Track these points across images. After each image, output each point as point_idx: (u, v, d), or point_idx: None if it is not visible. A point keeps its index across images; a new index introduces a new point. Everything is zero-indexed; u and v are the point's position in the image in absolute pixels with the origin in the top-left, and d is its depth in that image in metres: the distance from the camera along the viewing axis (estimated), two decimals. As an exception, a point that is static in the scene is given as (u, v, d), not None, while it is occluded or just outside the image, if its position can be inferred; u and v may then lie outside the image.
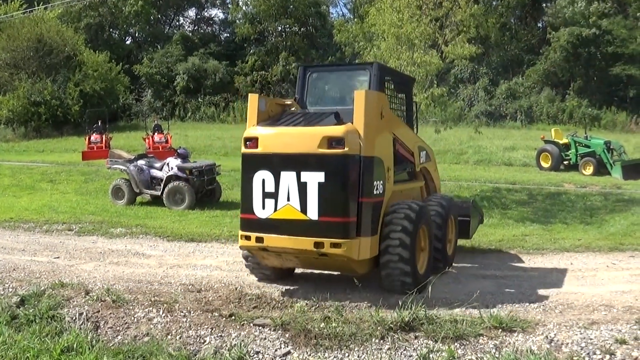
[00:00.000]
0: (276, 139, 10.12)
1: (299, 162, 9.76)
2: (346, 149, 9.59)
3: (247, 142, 10.23)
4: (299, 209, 9.72)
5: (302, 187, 9.68)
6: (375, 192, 10.05)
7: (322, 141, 9.65)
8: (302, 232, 9.75)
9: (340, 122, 10.01)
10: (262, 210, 9.98)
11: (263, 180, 9.93)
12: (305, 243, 9.77)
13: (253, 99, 10.76)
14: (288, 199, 9.78)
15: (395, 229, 10.19)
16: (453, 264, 12.60)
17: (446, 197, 13.20)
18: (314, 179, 9.62)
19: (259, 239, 10.07)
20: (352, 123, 9.93)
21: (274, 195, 9.87)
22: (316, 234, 9.68)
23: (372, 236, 10.03)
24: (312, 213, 9.66)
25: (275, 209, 9.89)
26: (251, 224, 10.16)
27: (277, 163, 9.90)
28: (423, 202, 11.85)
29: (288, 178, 9.76)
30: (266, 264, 11.05)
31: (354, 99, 10.20)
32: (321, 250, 9.72)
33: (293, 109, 11.67)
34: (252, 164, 10.12)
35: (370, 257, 10.09)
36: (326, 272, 12.14)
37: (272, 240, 10.01)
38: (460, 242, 13.80)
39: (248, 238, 10.20)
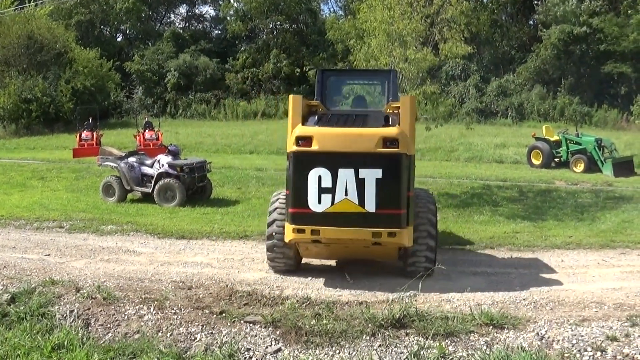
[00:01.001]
0: (333, 138, 10.74)
1: (357, 160, 10.49)
2: (400, 148, 10.54)
3: (300, 141, 10.69)
4: (357, 203, 10.43)
5: (360, 183, 10.43)
6: (413, 187, 11.23)
7: (380, 141, 10.50)
8: (360, 224, 10.51)
9: (387, 124, 11.02)
10: (318, 204, 10.55)
11: (319, 177, 10.50)
12: (364, 233, 10.57)
13: (297, 100, 11.26)
14: (346, 194, 10.46)
15: (422, 222, 11.40)
16: (445, 261, 12.63)
17: (425, 189, 14.02)
18: (372, 175, 10.41)
19: (315, 232, 10.64)
20: (399, 125, 10.91)
21: (331, 191, 10.50)
22: (374, 225, 10.50)
23: (411, 226, 10.95)
24: (370, 206, 10.42)
25: (333, 203, 10.50)
26: (305, 217, 10.66)
27: (335, 160, 10.53)
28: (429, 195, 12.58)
29: (346, 174, 10.45)
30: (306, 255, 11.67)
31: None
32: (378, 239, 10.61)
33: (320, 109, 12.22)
34: (306, 161, 10.64)
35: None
36: (322, 268, 12.20)
37: (329, 232, 10.64)
38: (452, 238, 13.81)
39: (301, 231, 10.69)
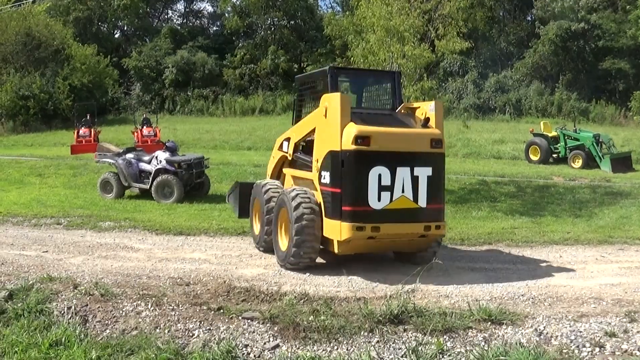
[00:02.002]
0: (390, 138, 11.25)
1: (412, 159, 11.18)
2: (443, 148, 11.53)
3: (359, 140, 10.91)
4: (412, 199, 11.13)
5: (415, 180, 11.13)
6: None
7: (429, 142, 11.34)
8: (414, 219, 11.27)
9: (427, 126, 11.70)
10: (378, 202, 10.95)
11: (379, 175, 10.92)
12: (417, 227, 11.33)
13: (345, 99, 11.46)
14: (403, 191, 11.05)
15: None
16: (443, 257, 12.64)
17: None
18: (424, 173, 11.19)
19: (375, 228, 10.96)
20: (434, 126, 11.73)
21: (390, 188, 10.99)
22: (425, 219, 11.32)
23: None
24: (422, 202, 11.19)
25: (391, 200, 11.00)
26: (365, 215, 10.96)
27: (393, 159, 11.06)
28: None
29: (403, 172, 11.04)
30: (343, 251, 11.51)
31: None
32: (428, 232, 11.42)
33: None
34: (366, 160, 10.97)
35: None
36: (319, 264, 12.17)
37: (389, 228, 11.07)
38: (450, 234, 13.83)
39: (361, 228, 10.90)
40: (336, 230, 11.08)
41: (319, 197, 11.60)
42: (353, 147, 10.84)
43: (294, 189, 11.99)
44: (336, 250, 11.43)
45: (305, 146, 12.93)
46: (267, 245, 13.09)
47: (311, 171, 12.14)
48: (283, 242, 12.22)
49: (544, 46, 54.34)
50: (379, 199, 10.91)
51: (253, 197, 14.13)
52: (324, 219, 11.39)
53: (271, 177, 14.42)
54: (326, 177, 11.34)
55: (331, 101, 11.37)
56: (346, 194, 10.97)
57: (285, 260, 11.91)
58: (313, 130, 12.23)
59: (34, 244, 14.37)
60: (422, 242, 11.89)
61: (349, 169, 10.93)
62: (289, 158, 13.47)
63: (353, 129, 10.94)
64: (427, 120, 11.78)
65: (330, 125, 11.29)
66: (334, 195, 11.13)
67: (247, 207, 14.60)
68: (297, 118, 13.71)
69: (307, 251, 11.61)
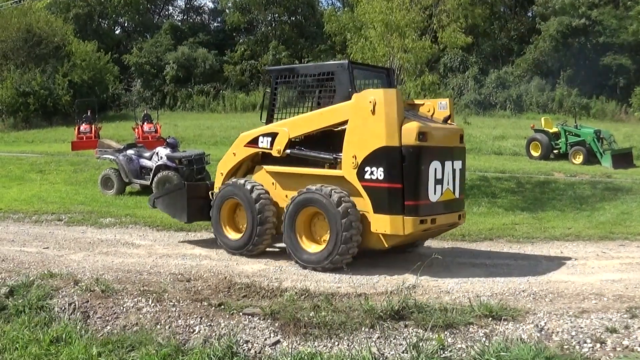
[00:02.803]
0: (439, 134, 11.78)
1: (452, 153, 11.89)
2: (464, 143, 12.49)
3: (421, 136, 11.16)
4: (452, 191, 11.81)
5: (454, 173, 11.83)
6: None
7: (459, 137, 12.30)
8: (453, 209, 12.04)
9: (447, 122, 12.30)
10: (434, 195, 11.43)
11: (435, 169, 11.40)
12: (454, 217, 12.14)
13: (400, 94, 11.67)
14: (448, 184, 11.67)
15: None
16: (444, 253, 12.63)
17: None
18: (458, 166, 11.95)
19: (433, 220, 11.46)
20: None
21: (441, 182, 11.54)
22: (459, 209, 12.24)
23: None
24: (457, 193, 11.97)
25: (442, 193, 11.57)
26: (427, 208, 11.37)
27: (443, 154, 11.65)
28: None
29: (449, 166, 11.68)
30: (391, 244, 11.61)
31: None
32: (458, 221, 12.36)
33: None
34: (427, 155, 11.30)
35: None
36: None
37: (442, 219, 11.75)
38: (451, 230, 13.83)
39: (423, 222, 11.26)
40: (397, 225, 11.07)
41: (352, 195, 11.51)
42: (417, 143, 11.00)
43: (327, 188, 11.55)
44: (386, 245, 11.48)
45: (310, 142, 12.53)
46: (255, 250, 12.78)
47: (324, 167, 12.10)
48: (308, 245, 11.94)
49: (545, 42, 54.42)
50: (435, 192, 11.36)
51: (224, 197, 13.17)
52: (374, 215, 11.29)
53: (227, 176, 13.64)
54: (376, 172, 11.21)
55: (384, 97, 11.22)
56: (410, 188, 11.08)
57: (321, 263, 11.57)
58: (334, 125, 12.04)
59: (35, 241, 14.39)
60: (446, 230, 13.09)
61: (411, 164, 11.07)
62: (277, 155, 12.72)
63: (414, 125, 11.10)
64: (448, 117, 12.27)
65: (382, 120, 11.14)
66: (392, 191, 11.11)
67: (200, 209, 13.99)
68: (272, 112, 13.33)
69: (352, 251, 11.48)
